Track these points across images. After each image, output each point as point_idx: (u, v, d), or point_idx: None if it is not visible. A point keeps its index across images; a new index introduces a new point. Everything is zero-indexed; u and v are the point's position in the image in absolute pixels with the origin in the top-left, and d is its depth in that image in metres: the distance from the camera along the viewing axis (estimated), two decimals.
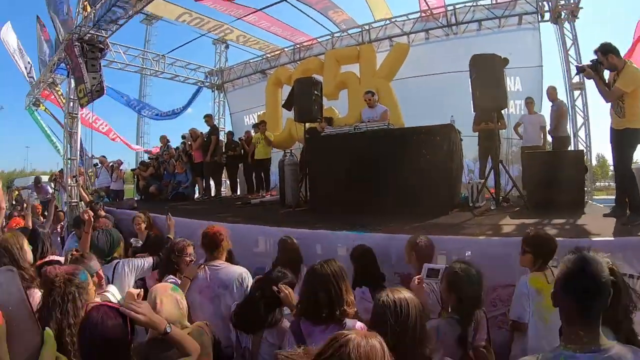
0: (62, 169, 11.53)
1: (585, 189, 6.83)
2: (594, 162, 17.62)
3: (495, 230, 4.66)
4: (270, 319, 2.56)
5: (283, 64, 13.89)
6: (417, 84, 10.97)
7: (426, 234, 3.66)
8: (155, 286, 2.41)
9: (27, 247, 3.03)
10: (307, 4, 10.96)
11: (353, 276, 3.47)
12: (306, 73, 10.47)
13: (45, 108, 15.25)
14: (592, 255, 1.52)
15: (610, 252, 2.28)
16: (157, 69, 14.55)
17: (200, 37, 13.52)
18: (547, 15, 9.55)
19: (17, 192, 14.10)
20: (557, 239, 3.18)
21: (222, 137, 12.87)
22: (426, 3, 10.59)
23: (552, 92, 8.28)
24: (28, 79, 15.00)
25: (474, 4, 10.61)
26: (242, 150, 11.32)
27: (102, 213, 6.92)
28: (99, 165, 13.43)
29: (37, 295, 2.35)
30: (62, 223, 8.55)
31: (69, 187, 9.79)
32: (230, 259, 3.62)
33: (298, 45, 13.70)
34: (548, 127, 8.24)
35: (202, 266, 3.23)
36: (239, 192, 12.21)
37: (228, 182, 12.64)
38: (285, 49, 14.07)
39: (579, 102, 8.84)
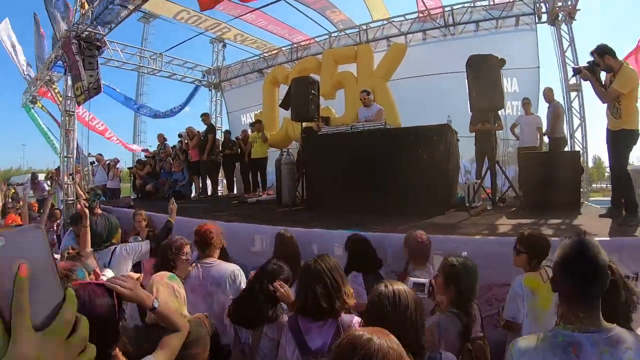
0: (58, 167, 11.49)
1: (582, 190, 6.86)
2: (591, 164, 17.71)
3: (492, 230, 4.68)
4: (271, 313, 2.55)
5: (280, 63, 13.87)
6: (414, 85, 10.96)
7: None
8: (153, 276, 2.40)
9: None
10: (304, 4, 10.95)
11: (346, 263, 3.51)
12: (303, 72, 10.48)
13: (42, 106, 15.21)
14: (588, 238, 1.54)
15: (606, 252, 2.29)
16: (154, 67, 14.50)
17: (198, 36, 13.50)
18: (544, 17, 9.59)
19: (13, 190, 14.04)
20: (553, 239, 3.18)
21: (219, 136, 12.85)
22: (424, 3, 10.60)
23: (548, 94, 8.30)
24: (25, 76, 14.94)
25: (472, 5, 10.64)
26: (239, 149, 11.32)
27: (99, 211, 6.89)
28: (96, 163, 13.39)
29: None
30: (58, 221, 8.52)
31: (66, 185, 9.76)
32: (226, 257, 3.61)
33: (295, 45, 13.69)
34: (544, 128, 8.27)
35: (195, 264, 3.23)
36: (235, 191, 12.19)
37: (225, 181, 12.63)
38: (283, 48, 14.06)
39: (575, 104, 8.88)
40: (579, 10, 8.72)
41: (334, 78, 11.12)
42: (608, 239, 3.88)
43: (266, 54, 14.53)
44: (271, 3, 10.71)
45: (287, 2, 10.61)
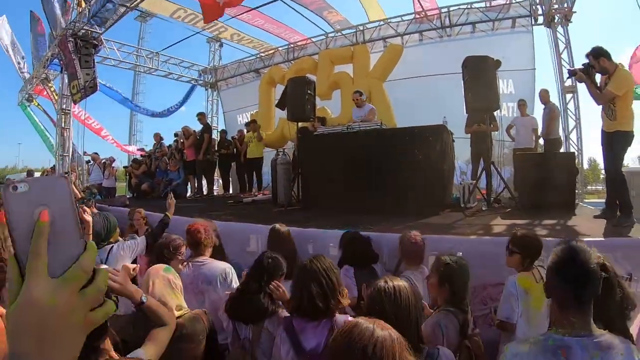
0: (54, 165, 11.44)
1: (577, 191, 6.89)
2: (586, 166, 17.77)
3: (487, 230, 4.69)
4: (271, 308, 2.55)
5: (277, 63, 13.88)
6: (411, 86, 10.98)
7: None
8: (149, 269, 2.40)
9: None
10: (301, 5, 10.97)
11: (339, 259, 3.53)
12: (300, 73, 10.46)
13: (38, 104, 15.14)
14: (580, 244, 1.56)
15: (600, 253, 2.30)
16: (150, 66, 14.51)
17: (195, 35, 13.49)
18: (540, 19, 9.64)
19: None
20: (547, 239, 3.19)
21: (215, 135, 12.83)
22: (420, 5, 10.63)
23: (544, 95, 8.33)
24: (21, 74, 14.88)
25: (468, 6, 10.68)
26: (235, 149, 11.30)
27: (94, 210, 6.87)
28: (91, 162, 13.33)
29: None
30: None
31: None
32: (221, 256, 3.61)
33: (292, 45, 13.70)
34: (540, 130, 8.30)
35: (186, 263, 3.22)
36: (231, 191, 12.18)
37: (220, 180, 12.61)
38: (279, 49, 14.07)
39: (571, 105, 8.94)
40: (575, 12, 8.78)
41: (330, 78, 11.13)
42: (602, 239, 3.90)
43: (263, 54, 14.54)
44: (268, 3, 10.72)
45: (284, 2, 10.62)
